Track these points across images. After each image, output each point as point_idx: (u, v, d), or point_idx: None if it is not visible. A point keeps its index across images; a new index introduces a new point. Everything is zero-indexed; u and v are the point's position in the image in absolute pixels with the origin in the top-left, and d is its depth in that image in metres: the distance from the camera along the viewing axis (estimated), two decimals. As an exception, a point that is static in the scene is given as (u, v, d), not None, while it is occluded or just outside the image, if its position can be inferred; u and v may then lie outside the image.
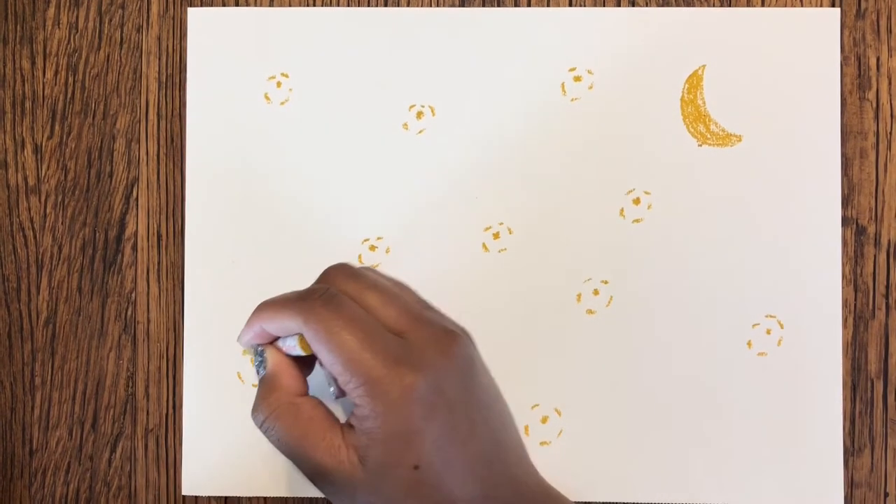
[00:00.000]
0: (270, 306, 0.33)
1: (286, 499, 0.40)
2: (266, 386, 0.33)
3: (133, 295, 0.40)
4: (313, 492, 0.39)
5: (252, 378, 0.40)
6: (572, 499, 0.38)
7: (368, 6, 0.40)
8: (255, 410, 0.33)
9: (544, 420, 0.39)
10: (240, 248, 0.40)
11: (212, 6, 0.41)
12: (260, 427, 0.33)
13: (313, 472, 0.31)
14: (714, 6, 0.40)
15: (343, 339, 0.30)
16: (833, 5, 0.40)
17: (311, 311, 0.31)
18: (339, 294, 0.31)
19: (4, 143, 0.41)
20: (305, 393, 0.33)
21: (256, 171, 0.40)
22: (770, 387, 0.39)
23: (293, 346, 0.33)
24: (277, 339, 0.34)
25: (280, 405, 0.32)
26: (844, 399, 0.39)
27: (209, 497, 0.40)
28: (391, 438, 0.30)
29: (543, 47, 0.40)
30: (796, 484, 0.38)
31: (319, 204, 0.40)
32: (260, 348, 0.34)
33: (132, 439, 0.40)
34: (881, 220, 0.39)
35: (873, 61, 0.40)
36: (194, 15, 0.41)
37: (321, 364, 0.32)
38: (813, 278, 0.39)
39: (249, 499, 0.40)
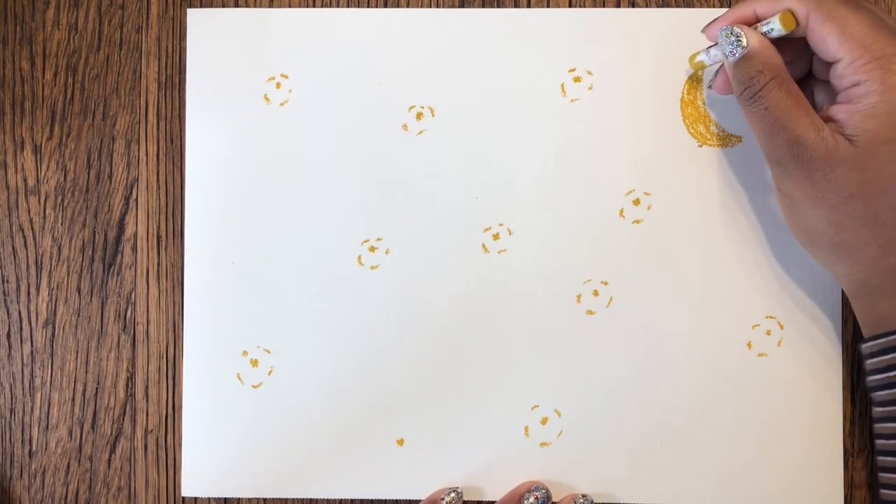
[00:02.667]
0: None
1: (286, 499, 0.40)
2: (754, 60, 0.33)
3: (133, 296, 0.40)
4: (313, 493, 0.39)
5: (251, 380, 0.40)
6: (572, 500, 0.38)
7: (368, 7, 0.40)
8: (743, 83, 0.33)
9: (544, 421, 0.39)
10: (240, 248, 0.40)
11: (211, 7, 0.41)
12: (748, 98, 0.33)
13: (792, 143, 0.32)
14: (714, 7, 0.40)
15: (855, 20, 0.32)
16: (833, 6, 0.40)
17: None
18: None
19: (4, 144, 0.41)
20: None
21: (256, 172, 0.40)
22: (770, 387, 0.39)
23: (773, 29, 0.33)
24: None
25: (773, 75, 0.33)
26: (844, 400, 0.39)
27: (209, 498, 0.40)
28: (894, 113, 0.31)
29: (543, 48, 0.40)
30: (796, 484, 0.38)
31: (319, 204, 0.40)
32: (737, 29, 0.34)
33: (132, 440, 0.40)
34: (881, 221, 0.39)
35: (873, 62, 0.39)
36: (194, 16, 0.40)
37: (815, 44, 0.32)
38: (813, 279, 0.39)
39: (249, 499, 0.40)
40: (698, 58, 0.38)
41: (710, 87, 0.38)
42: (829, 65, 0.33)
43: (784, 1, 0.33)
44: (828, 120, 0.33)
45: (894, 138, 0.31)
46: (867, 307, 0.34)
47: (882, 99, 0.31)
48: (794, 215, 0.34)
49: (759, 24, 0.34)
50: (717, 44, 0.36)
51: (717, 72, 0.37)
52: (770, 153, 0.34)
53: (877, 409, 0.34)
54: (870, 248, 0.32)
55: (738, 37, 0.33)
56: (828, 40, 0.32)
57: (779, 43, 0.34)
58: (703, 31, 0.36)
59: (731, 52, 0.34)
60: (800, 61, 0.36)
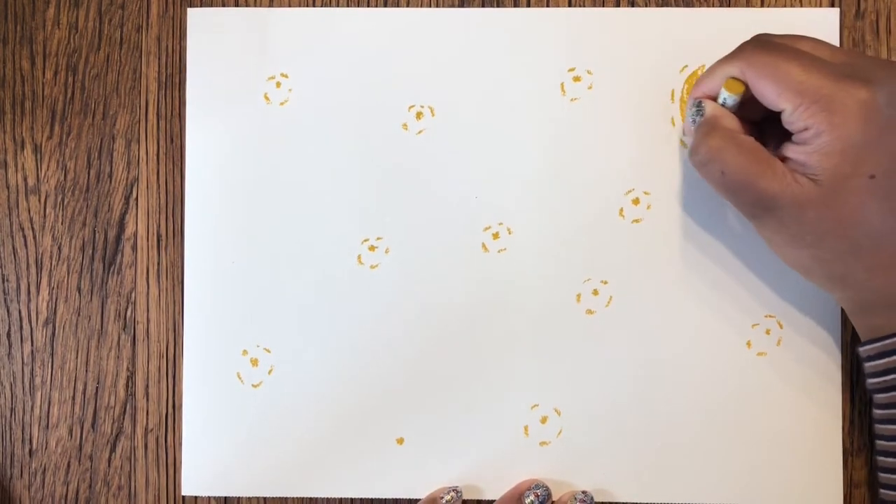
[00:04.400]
0: (706, 71, 0.35)
1: (285, 499, 0.40)
2: (705, 127, 0.34)
3: (133, 295, 0.40)
4: (313, 492, 0.39)
5: (251, 379, 0.40)
6: (572, 499, 0.38)
7: (368, 6, 0.40)
8: (695, 152, 0.34)
9: (544, 420, 0.39)
10: (240, 248, 0.40)
11: (211, 6, 0.41)
12: (701, 164, 0.34)
13: (757, 201, 0.33)
14: (714, 6, 0.40)
15: (787, 70, 0.32)
16: (832, 5, 0.40)
17: (750, 54, 0.33)
18: (772, 40, 0.34)
19: (4, 143, 0.41)
20: (742, 133, 0.34)
21: (256, 172, 0.40)
22: (769, 387, 0.39)
23: (725, 99, 0.34)
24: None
25: (723, 140, 0.33)
26: (844, 399, 0.39)
27: (209, 497, 0.40)
28: (848, 149, 0.31)
29: (543, 48, 0.40)
30: (796, 484, 0.38)
31: (319, 204, 0.40)
32: (701, 101, 0.35)
33: (132, 439, 0.40)
34: (881, 221, 0.39)
35: (873, 61, 0.40)
36: (194, 15, 0.41)
37: (758, 99, 0.33)
38: (812, 278, 0.39)
39: (249, 499, 0.40)
40: (684, 138, 0.39)
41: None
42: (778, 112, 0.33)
43: (725, 69, 0.34)
44: (787, 160, 0.33)
45: (853, 172, 0.31)
46: (863, 320, 0.34)
47: (833, 138, 0.31)
48: (780, 254, 0.35)
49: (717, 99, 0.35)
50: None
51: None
52: (742, 211, 0.34)
53: (877, 412, 0.34)
54: (856, 274, 0.33)
55: (698, 106, 0.35)
56: (765, 95, 0.33)
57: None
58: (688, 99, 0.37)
59: (692, 120, 0.35)
60: (757, 104, 0.36)
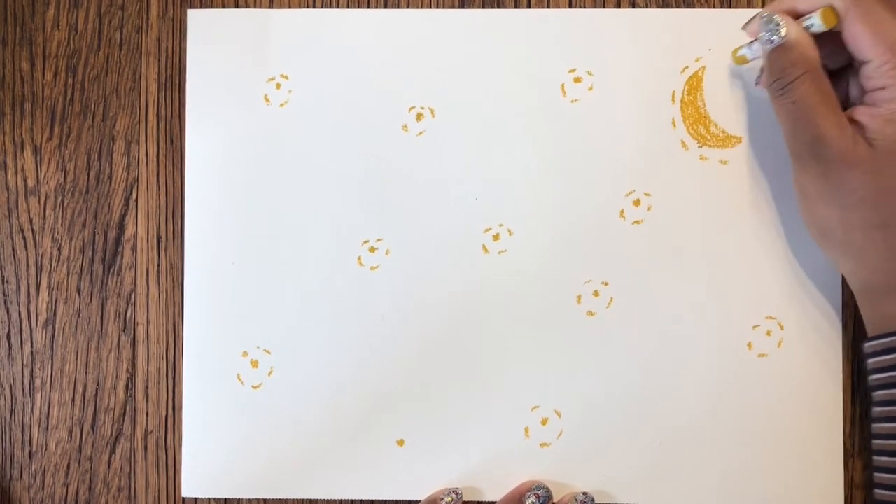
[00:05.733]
0: None
1: (285, 500, 0.40)
2: (789, 51, 0.33)
3: (132, 296, 0.40)
4: (313, 493, 0.39)
5: (251, 380, 0.40)
6: (572, 500, 0.38)
7: (368, 7, 0.40)
8: (775, 73, 0.33)
9: (544, 422, 0.39)
10: (239, 248, 0.40)
11: (211, 7, 0.41)
12: (779, 88, 0.33)
13: (812, 141, 0.32)
14: (714, 7, 0.40)
15: (886, 22, 0.31)
16: (833, 6, 0.40)
17: None
18: None
19: (4, 145, 0.41)
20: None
21: (256, 173, 0.40)
22: (770, 388, 0.39)
23: (813, 24, 0.33)
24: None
25: (806, 69, 0.32)
26: (845, 401, 0.39)
27: (209, 498, 0.40)
28: None
29: (543, 48, 0.40)
30: (797, 485, 0.38)
31: (319, 205, 0.40)
32: (777, 17, 0.33)
33: (132, 441, 0.40)
34: (881, 222, 0.39)
35: (874, 62, 0.39)
36: (194, 16, 0.40)
37: (848, 42, 0.32)
38: (813, 280, 0.39)
39: (249, 500, 0.40)
40: (741, 52, 0.38)
41: (757, 84, 0.38)
42: (861, 63, 0.33)
43: None
44: (851, 121, 0.32)
45: None
46: (872, 307, 0.34)
47: None
48: (807, 208, 0.34)
49: (800, 20, 0.34)
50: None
51: (762, 69, 0.36)
52: (791, 146, 0.34)
53: (875, 409, 0.34)
54: (877, 250, 0.32)
55: (777, 25, 0.33)
56: (860, 40, 0.32)
57: (820, 33, 0.34)
58: (743, 27, 0.37)
59: (768, 39, 0.33)
60: (840, 53, 0.35)
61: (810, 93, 0.32)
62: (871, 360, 0.34)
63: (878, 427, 0.34)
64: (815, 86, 0.32)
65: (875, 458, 0.35)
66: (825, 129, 0.32)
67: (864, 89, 0.33)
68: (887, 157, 0.31)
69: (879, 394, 0.34)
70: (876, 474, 0.35)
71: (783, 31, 0.33)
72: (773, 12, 0.34)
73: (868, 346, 0.34)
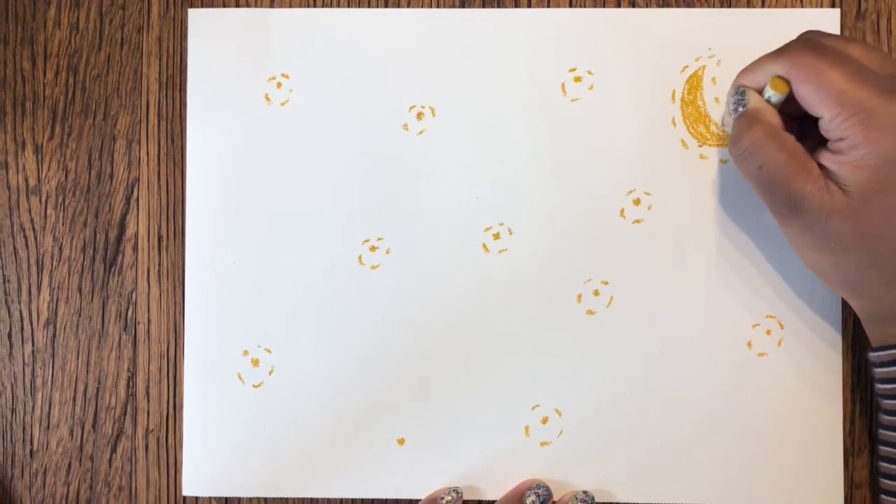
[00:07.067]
0: (753, 63, 0.35)
1: (286, 499, 0.40)
2: (748, 119, 0.34)
3: (133, 295, 0.40)
4: (314, 492, 0.39)
5: (252, 379, 0.40)
6: (573, 499, 0.38)
7: (368, 7, 0.40)
8: (735, 143, 0.34)
9: (544, 420, 0.39)
10: (240, 248, 0.40)
11: (212, 7, 0.41)
12: (741, 156, 0.34)
13: (787, 200, 0.33)
14: (714, 7, 0.40)
15: (831, 77, 0.31)
16: (833, 6, 0.40)
17: (797, 55, 0.33)
18: (821, 42, 0.33)
19: (5, 144, 0.41)
20: (783, 129, 0.34)
21: (256, 172, 0.40)
22: (770, 387, 0.39)
23: (770, 96, 0.34)
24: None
25: (765, 133, 0.33)
26: (844, 399, 0.39)
27: (209, 497, 0.40)
28: (881, 165, 0.31)
29: (543, 48, 0.40)
30: (797, 484, 0.38)
31: (319, 204, 0.40)
32: (743, 89, 0.35)
33: (133, 440, 0.40)
34: (881, 221, 0.39)
35: (873, 62, 0.40)
36: (195, 16, 0.41)
37: (800, 102, 0.33)
38: (813, 279, 0.39)
39: (249, 499, 0.40)
40: (721, 121, 0.39)
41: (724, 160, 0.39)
42: (817, 118, 0.33)
43: (771, 66, 0.34)
44: (821, 167, 0.33)
45: (884, 188, 0.31)
46: (876, 329, 0.34)
47: (868, 151, 0.31)
48: (800, 254, 0.35)
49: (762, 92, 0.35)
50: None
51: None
52: (770, 206, 0.34)
53: (884, 418, 0.34)
54: (874, 287, 0.33)
55: (742, 96, 0.35)
56: (807, 100, 0.32)
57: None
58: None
59: (734, 109, 0.35)
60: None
61: (774, 153, 0.33)
62: (878, 370, 0.34)
63: (885, 435, 0.34)
64: (777, 145, 0.33)
65: (882, 464, 0.35)
66: (798, 186, 0.32)
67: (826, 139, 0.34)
68: (862, 201, 0.31)
69: (889, 402, 0.34)
70: (882, 481, 0.35)
71: (746, 101, 0.34)
72: (741, 85, 0.35)
73: (875, 356, 0.34)
